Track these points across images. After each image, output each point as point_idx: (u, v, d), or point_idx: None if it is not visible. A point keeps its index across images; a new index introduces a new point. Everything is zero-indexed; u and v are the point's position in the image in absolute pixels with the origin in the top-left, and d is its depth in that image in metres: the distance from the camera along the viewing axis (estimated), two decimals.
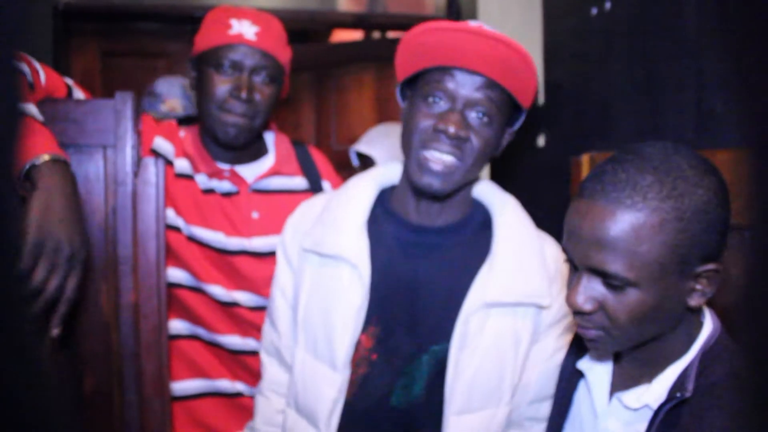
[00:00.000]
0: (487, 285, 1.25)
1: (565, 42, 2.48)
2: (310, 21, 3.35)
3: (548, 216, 2.73)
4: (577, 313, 1.02)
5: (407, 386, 1.28)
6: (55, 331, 1.14)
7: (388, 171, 1.41)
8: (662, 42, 1.78)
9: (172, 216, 1.65)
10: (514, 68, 1.19)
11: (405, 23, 3.50)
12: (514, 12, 2.94)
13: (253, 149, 1.77)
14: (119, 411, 1.46)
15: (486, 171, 3.20)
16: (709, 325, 1.05)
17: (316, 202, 1.45)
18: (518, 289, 1.25)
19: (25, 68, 1.31)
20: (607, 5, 2.06)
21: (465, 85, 1.20)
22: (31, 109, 1.28)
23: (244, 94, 1.61)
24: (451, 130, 1.17)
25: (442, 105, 1.21)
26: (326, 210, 1.36)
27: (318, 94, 3.78)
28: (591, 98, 2.22)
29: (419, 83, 1.24)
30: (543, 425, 1.27)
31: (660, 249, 0.93)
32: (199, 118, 1.74)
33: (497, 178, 3.08)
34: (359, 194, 1.35)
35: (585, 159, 1.72)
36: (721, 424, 0.94)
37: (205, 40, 1.67)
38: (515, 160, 2.97)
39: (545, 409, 1.29)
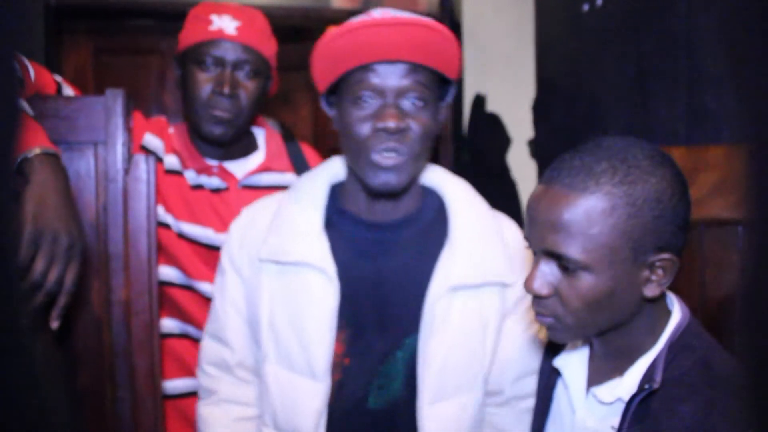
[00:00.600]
0: (449, 269, 1.25)
1: (557, 38, 2.48)
2: (304, 18, 3.34)
3: None
4: (534, 299, 1.05)
5: (384, 386, 1.27)
6: (55, 324, 1.14)
7: (335, 166, 1.37)
8: (654, 38, 1.78)
9: (161, 213, 1.64)
10: (433, 46, 1.18)
11: None
12: (506, 9, 2.94)
13: (242, 145, 1.77)
14: (111, 408, 1.46)
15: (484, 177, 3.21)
16: (677, 315, 1.06)
17: (262, 207, 1.39)
18: (481, 269, 1.25)
19: (16, 64, 1.30)
20: (599, 2, 2.06)
21: (390, 77, 1.18)
22: (22, 103, 1.27)
23: (226, 90, 1.61)
24: (391, 125, 1.16)
25: (373, 103, 1.19)
26: (279, 216, 1.32)
27: (315, 93, 3.76)
28: (583, 94, 2.22)
29: (343, 88, 1.22)
30: (530, 401, 1.28)
31: (611, 232, 0.96)
32: (185, 116, 1.74)
33: (487, 175, 3.08)
34: (313, 196, 1.32)
35: None
36: (691, 414, 0.95)
37: (187, 37, 1.67)
38: (505, 156, 2.98)
39: (530, 385, 1.29)
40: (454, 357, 1.24)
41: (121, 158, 1.43)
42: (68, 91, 1.50)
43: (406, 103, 1.19)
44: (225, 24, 1.63)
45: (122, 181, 1.44)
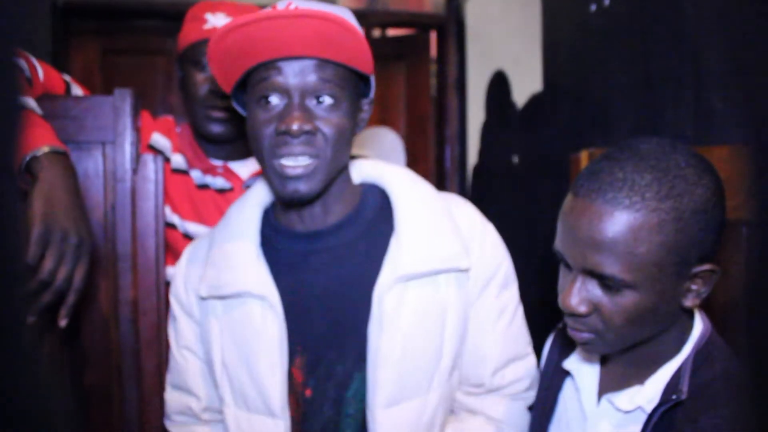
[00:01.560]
0: (396, 260, 1.15)
1: (564, 39, 2.48)
2: None
3: (547, 214, 2.73)
4: (570, 315, 1.00)
5: (350, 415, 1.18)
6: (63, 323, 1.14)
7: (263, 188, 1.28)
8: (661, 38, 1.78)
9: (168, 213, 1.65)
10: (338, 39, 1.06)
11: (406, 20, 3.50)
12: (513, 9, 2.94)
13: (247, 146, 1.77)
14: (119, 407, 1.47)
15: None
16: (699, 325, 1.03)
17: (197, 245, 1.30)
18: (432, 256, 1.15)
19: (23, 65, 1.31)
20: (606, 2, 2.06)
21: (293, 74, 1.08)
22: (30, 102, 1.28)
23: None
24: (294, 127, 1.06)
25: (278, 103, 1.09)
26: (212, 248, 1.23)
27: None
28: (590, 95, 2.22)
29: (249, 88, 1.13)
30: (516, 386, 1.25)
31: (658, 250, 0.91)
32: (187, 116, 1.75)
33: (493, 177, 3.08)
34: (244, 221, 1.23)
35: (584, 156, 1.72)
36: (715, 426, 0.93)
37: (184, 37, 1.68)
38: (513, 158, 2.97)
39: (512, 373, 1.25)
40: (411, 353, 1.14)
41: (129, 158, 1.44)
42: (77, 90, 1.51)
43: (313, 103, 1.09)
44: (219, 22, 1.63)
45: (130, 181, 1.45)
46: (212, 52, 1.09)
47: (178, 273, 1.29)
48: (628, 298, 0.94)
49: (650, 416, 0.98)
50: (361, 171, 1.27)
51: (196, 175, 1.71)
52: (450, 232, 1.18)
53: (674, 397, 0.96)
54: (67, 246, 1.12)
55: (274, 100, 1.09)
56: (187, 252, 1.30)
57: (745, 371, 0.91)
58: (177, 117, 1.87)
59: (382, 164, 1.28)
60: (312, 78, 1.08)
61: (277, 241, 1.22)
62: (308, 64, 1.08)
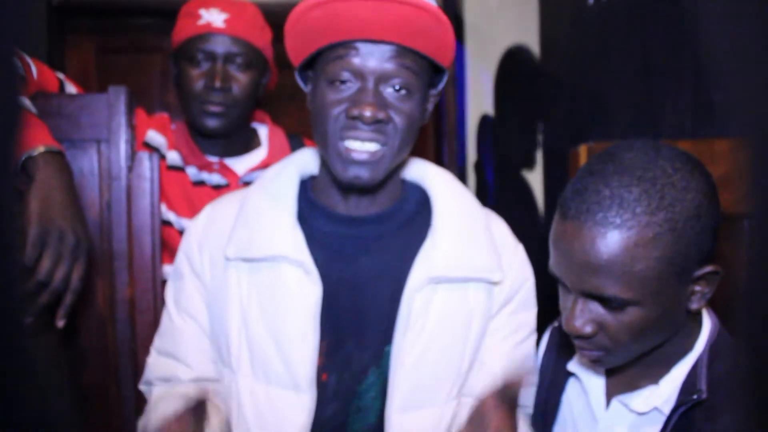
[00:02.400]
0: (430, 260, 1.12)
1: (562, 32, 2.47)
2: None
3: (546, 207, 2.72)
4: (577, 336, 0.98)
5: (361, 410, 1.14)
6: (61, 323, 1.13)
7: (306, 159, 1.24)
8: (659, 31, 1.77)
9: (164, 211, 1.65)
10: (426, 28, 1.04)
11: None
12: (510, 3, 2.93)
13: (243, 141, 1.77)
14: (116, 406, 1.46)
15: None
16: (708, 322, 1.02)
17: (223, 204, 1.24)
18: (466, 263, 1.13)
19: (17, 62, 1.30)
20: None
21: (373, 58, 1.04)
22: (25, 102, 1.27)
23: (218, 83, 1.61)
24: (367, 114, 1.02)
25: (351, 86, 1.05)
26: (245, 211, 1.17)
27: None
28: (588, 88, 2.21)
29: (320, 65, 1.08)
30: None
31: (657, 264, 0.89)
32: (183, 113, 1.75)
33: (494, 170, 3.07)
34: (283, 186, 1.18)
35: (583, 150, 1.71)
36: (735, 424, 0.91)
37: (178, 34, 1.68)
38: (512, 152, 2.96)
39: None
40: (432, 356, 1.11)
41: (124, 156, 1.43)
42: (71, 88, 1.50)
43: (388, 90, 1.06)
44: (213, 17, 1.63)
45: (126, 179, 1.44)
46: (291, 26, 1.06)
47: (194, 229, 1.22)
48: (632, 315, 0.92)
49: (669, 417, 0.96)
50: (408, 167, 1.25)
51: (191, 171, 1.71)
52: (486, 243, 1.17)
53: (695, 397, 0.94)
54: (64, 246, 1.12)
55: (348, 81, 1.05)
56: (209, 210, 1.24)
57: (747, 365, 0.90)
58: (173, 114, 1.86)
59: (427, 164, 1.26)
60: (390, 65, 1.05)
61: (312, 217, 1.18)
62: (388, 49, 1.04)
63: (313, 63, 1.11)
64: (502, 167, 3.01)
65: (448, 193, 1.21)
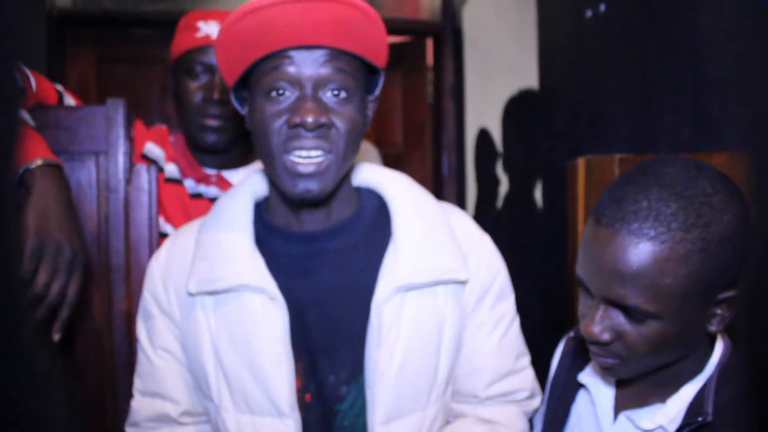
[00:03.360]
0: (395, 269, 1.10)
1: (560, 45, 2.47)
2: None
3: (544, 221, 2.72)
4: (593, 342, 0.98)
5: (346, 429, 1.13)
6: (57, 337, 1.13)
7: (257, 181, 1.22)
8: (657, 44, 1.78)
9: (161, 223, 1.64)
10: (357, 28, 1.01)
11: (402, 27, 3.50)
12: (509, 15, 2.94)
13: (241, 154, 1.77)
14: (113, 420, 1.45)
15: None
16: (720, 345, 1.02)
17: (179, 238, 1.21)
18: (431, 266, 1.11)
19: (17, 76, 1.30)
20: (602, 8, 2.06)
21: (307, 64, 1.02)
22: (23, 114, 1.27)
23: (216, 95, 1.61)
24: (309, 119, 0.99)
25: (289, 95, 1.03)
26: (202, 242, 1.15)
27: None
28: (587, 101, 2.22)
29: (254, 81, 1.06)
30: (509, 398, 1.22)
31: (684, 281, 0.89)
32: (181, 126, 1.75)
33: (490, 184, 3.08)
34: (237, 213, 1.16)
35: (581, 163, 1.71)
36: None
37: (176, 46, 1.69)
38: (510, 164, 2.97)
39: (506, 386, 1.20)
40: (409, 367, 1.10)
41: (122, 168, 1.43)
42: (69, 100, 1.50)
43: (327, 96, 1.03)
44: (212, 29, 1.63)
45: (124, 191, 1.44)
46: (221, 39, 1.03)
47: (156, 268, 1.19)
48: (652, 328, 0.92)
49: None
50: (359, 174, 1.22)
51: (189, 184, 1.71)
52: (449, 243, 1.14)
53: (700, 419, 0.95)
54: (61, 260, 1.12)
55: (285, 91, 1.03)
56: (169, 244, 1.21)
57: (748, 369, 0.90)
58: (172, 126, 1.86)
59: (380, 169, 1.23)
60: (325, 69, 1.02)
61: (270, 240, 1.15)
62: (321, 53, 1.02)
63: (246, 81, 1.09)
64: (500, 179, 3.01)
65: (404, 196, 1.18)
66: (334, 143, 1.04)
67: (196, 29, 1.65)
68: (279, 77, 1.02)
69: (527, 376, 1.24)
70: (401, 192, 1.18)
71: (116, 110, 1.43)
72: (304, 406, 1.11)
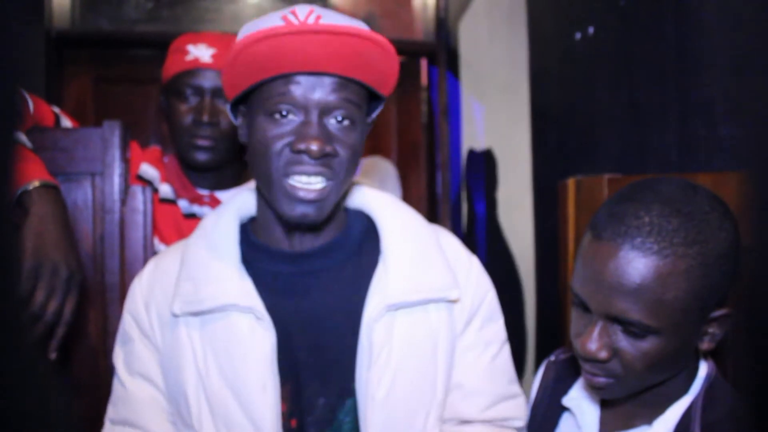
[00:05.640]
0: (385, 287, 1.09)
1: (550, 67, 2.51)
2: None
3: (536, 240, 2.74)
4: (587, 360, 0.98)
5: None
6: (53, 355, 1.14)
7: (243, 201, 1.20)
8: (645, 66, 1.81)
9: (156, 243, 1.66)
10: (370, 60, 1.01)
11: (396, 48, 3.53)
12: (501, 37, 2.97)
13: (233, 174, 1.79)
14: None
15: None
16: (705, 366, 1.03)
17: (163, 259, 1.19)
18: (422, 284, 1.10)
19: (17, 99, 1.32)
20: (590, 30, 2.09)
21: (315, 90, 1.01)
22: (21, 137, 1.30)
23: (205, 117, 1.64)
24: (314, 148, 0.99)
25: (293, 119, 1.02)
26: (187, 262, 1.12)
27: None
28: (577, 122, 2.24)
29: (256, 99, 1.04)
30: (505, 423, 1.18)
31: (685, 296, 0.90)
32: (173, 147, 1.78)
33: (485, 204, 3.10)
34: (223, 232, 1.14)
35: (571, 183, 1.73)
36: None
37: (167, 69, 1.72)
38: (500, 182, 2.99)
39: (503, 411, 1.17)
40: (402, 386, 1.07)
41: (118, 189, 1.45)
42: (66, 122, 1.52)
43: (332, 122, 1.03)
44: (201, 53, 1.66)
45: (119, 212, 1.46)
46: (233, 60, 1.00)
47: (138, 289, 1.16)
48: (651, 344, 0.93)
49: None
50: (347, 195, 1.21)
51: (183, 204, 1.73)
52: (440, 262, 1.14)
53: None
54: (57, 280, 1.13)
55: (290, 114, 1.02)
56: (152, 265, 1.19)
57: (750, 408, 0.91)
58: (167, 146, 1.89)
59: (367, 189, 1.23)
60: (333, 97, 1.02)
61: (256, 259, 1.13)
62: (330, 81, 1.01)
63: (246, 97, 1.08)
64: (493, 199, 3.03)
65: (393, 216, 1.17)
66: (335, 171, 1.03)
67: (186, 53, 1.67)
68: (285, 100, 1.01)
69: (520, 403, 1.21)
70: (390, 212, 1.18)
71: (112, 132, 1.45)
72: (291, 431, 1.08)
